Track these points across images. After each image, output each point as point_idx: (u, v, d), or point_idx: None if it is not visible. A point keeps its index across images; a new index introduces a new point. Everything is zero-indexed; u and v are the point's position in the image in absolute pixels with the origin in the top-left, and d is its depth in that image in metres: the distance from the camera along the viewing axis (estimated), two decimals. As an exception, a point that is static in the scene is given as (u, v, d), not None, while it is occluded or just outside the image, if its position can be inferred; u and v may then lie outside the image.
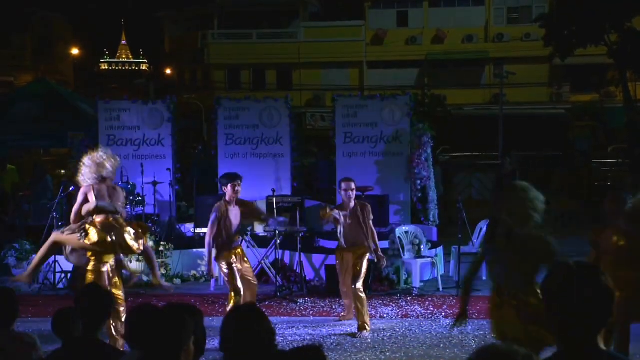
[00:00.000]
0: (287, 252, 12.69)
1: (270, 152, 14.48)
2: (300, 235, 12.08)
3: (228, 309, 8.87)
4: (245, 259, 9.59)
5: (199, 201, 13.80)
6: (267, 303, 10.96)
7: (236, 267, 9.30)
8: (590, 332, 2.77)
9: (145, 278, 12.56)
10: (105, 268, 8.53)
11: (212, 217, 9.39)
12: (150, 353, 3.87)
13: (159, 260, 12.57)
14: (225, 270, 9.31)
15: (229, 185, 9.36)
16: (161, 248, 12.65)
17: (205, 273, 12.70)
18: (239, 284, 9.23)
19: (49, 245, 8.80)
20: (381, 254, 9.90)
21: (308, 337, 9.38)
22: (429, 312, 10.59)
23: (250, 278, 9.47)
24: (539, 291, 4.88)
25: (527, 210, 5.64)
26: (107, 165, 8.66)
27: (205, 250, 9.56)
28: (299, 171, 14.90)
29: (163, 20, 53.61)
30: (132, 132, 14.62)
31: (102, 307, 4.74)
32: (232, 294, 9.25)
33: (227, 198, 9.41)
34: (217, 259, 9.39)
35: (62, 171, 17.21)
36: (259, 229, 13.15)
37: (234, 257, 9.35)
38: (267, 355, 3.79)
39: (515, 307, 5.52)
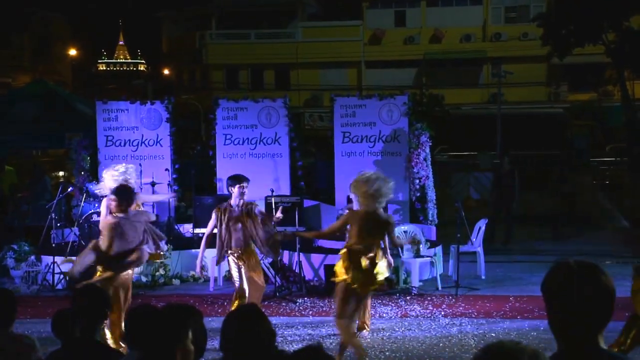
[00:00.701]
0: (286, 252, 12.68)
1: (269, 153, 14.48)
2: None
3: (232, 308, 8.86)
4: (257, 264, 9.51)
5: (197, 201, 13.80)
6: (266, 303, 10.94)
7: (244, 269, 9.24)
8: (590, 331, 2.76)
9: (144, 279, 12.57)
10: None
11: (212, 216, 9.46)
12: (150, 353, 3.87)
13: (157, 260, 12.58)
14: (234, 273, 9.30)
15: (236, 187, 9.33)
16: (160, 249, 12.64)
17: (203, 273, 12.71)
18: (245, 286, 9.20)
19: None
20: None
21: (307, 337, 9.38)
22: (428, 311, 10.59)
23: (258, 282, 9.41)
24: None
25: (373, 195, 8.04)
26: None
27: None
28: (299, 171, 14.87)
29: (161, 20, 53.60)
30: (130, 132, 14.61)
31: (102, 307, 4.73)
32: (237, 294, 9.23)
33: (232, 199, 9.37)
34: (226, 258, 9.42)
35: (61, 173, 17.00)
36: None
37: (242, 260, 9.28)
38: (267, 356, 3.79)
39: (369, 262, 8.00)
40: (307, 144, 25.74)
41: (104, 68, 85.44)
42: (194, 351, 3.87)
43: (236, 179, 9.44)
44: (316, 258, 12.61)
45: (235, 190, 9.33)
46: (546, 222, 17.72)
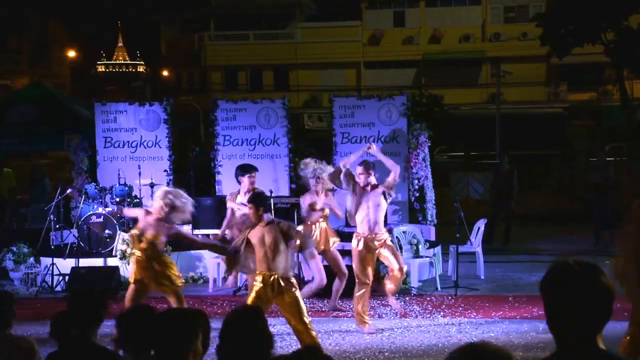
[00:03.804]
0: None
1: (268, 153, 14.48)
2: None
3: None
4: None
5: (196, 203, 13.76)
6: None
7: None
8: (589, 331, 2.76)
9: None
10: None
11: None
12: (159, 357, 3.85)
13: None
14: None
15: (246, 177, 9.54)
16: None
17: (202, 274, 12.80)
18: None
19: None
20: None
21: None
22: (427, 311, 10.58)
23: None
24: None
25: None
26: None
27: None
28: (296, 172, 14.87)
29: (160, 22, 53.55)
30: (129, 134, 14.61)
31: (99, 309, 4.72)
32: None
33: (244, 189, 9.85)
34: None
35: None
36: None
37: None
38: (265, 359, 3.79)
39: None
40: (307, 145, 25.74)
41: (103, 70, 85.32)
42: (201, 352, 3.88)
43: (246, 169, 9.73)
44: (315, 259, 12.59)
45: (245, 179, 9.84)
46: (545, 222, 17.70)
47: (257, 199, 8.02)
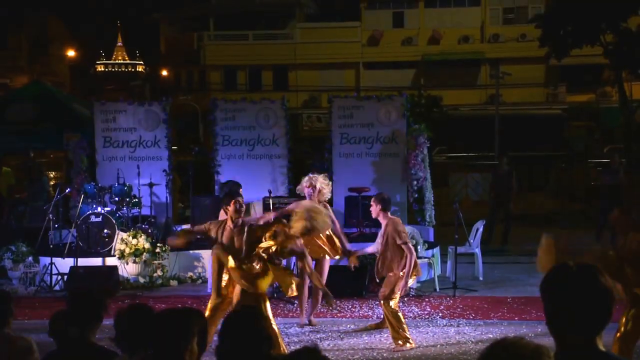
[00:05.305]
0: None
1: (267, 154, 14.48)
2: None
3: None
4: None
5: (195, 202, 13.78)
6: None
7: None
8: (589, 333, 2.76)
9: (142, 280, 12.54)
10: None
11: None
12: (158, 356, 3.85)
13: (155, 261, 12.56)
14: None
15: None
16: (157, 250, 12.62)
17: (201, 274, 12.77)
18: None
19: None
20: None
21: (305, 338, 9.37)
22: (425, 312, 10.59)
23: None
24: None
25: None
26: None
27: None
28: (293, 172, 14.87)
29: (159, 21, 53.52)
30: (128, 133, 14.61)
31: (98, 309, 4.72)
32: None
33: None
34: None
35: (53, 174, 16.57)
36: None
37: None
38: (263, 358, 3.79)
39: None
40: (305, 145, 25.74)
41: (102, 69, 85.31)
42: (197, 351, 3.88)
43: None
44: (314, 259, 12.58)
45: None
46: (544, 223, 17.70)
47: None
